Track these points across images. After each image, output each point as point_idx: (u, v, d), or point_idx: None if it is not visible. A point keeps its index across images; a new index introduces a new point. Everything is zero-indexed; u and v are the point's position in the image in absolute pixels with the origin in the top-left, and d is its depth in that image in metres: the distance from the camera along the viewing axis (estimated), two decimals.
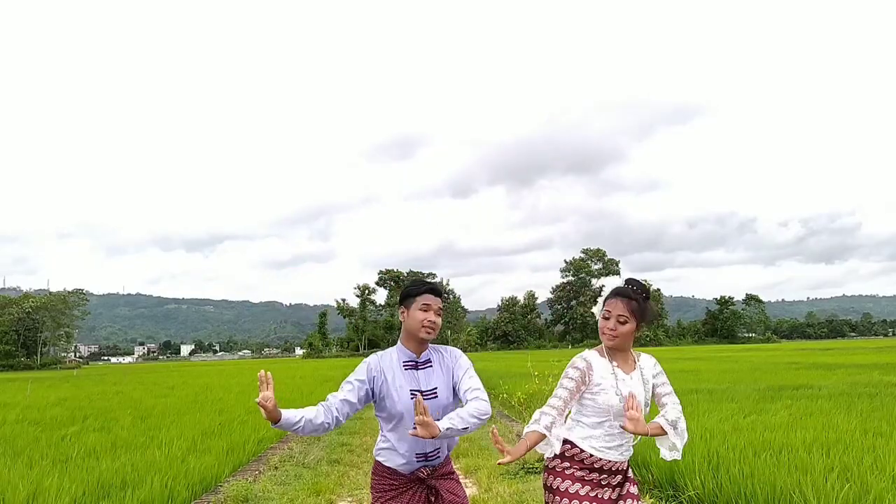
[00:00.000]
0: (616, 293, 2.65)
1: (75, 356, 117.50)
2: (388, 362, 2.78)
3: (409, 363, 2.76)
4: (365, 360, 2.82)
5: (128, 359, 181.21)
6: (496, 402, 11.90)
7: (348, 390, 2.70)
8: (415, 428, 2.37)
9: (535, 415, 2.66)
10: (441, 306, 2.80)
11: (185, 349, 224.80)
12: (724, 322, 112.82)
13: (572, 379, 2.62)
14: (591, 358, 2.67)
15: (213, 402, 13.42)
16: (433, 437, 2.36)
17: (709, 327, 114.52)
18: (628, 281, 2.68)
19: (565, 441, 2.65)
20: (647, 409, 2.63)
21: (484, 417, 2.54)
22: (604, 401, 2.58)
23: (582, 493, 2.58)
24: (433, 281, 2.87)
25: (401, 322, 2.83)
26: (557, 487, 2.62)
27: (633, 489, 2.66)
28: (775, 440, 5.74)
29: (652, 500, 4.91)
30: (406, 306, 2.77)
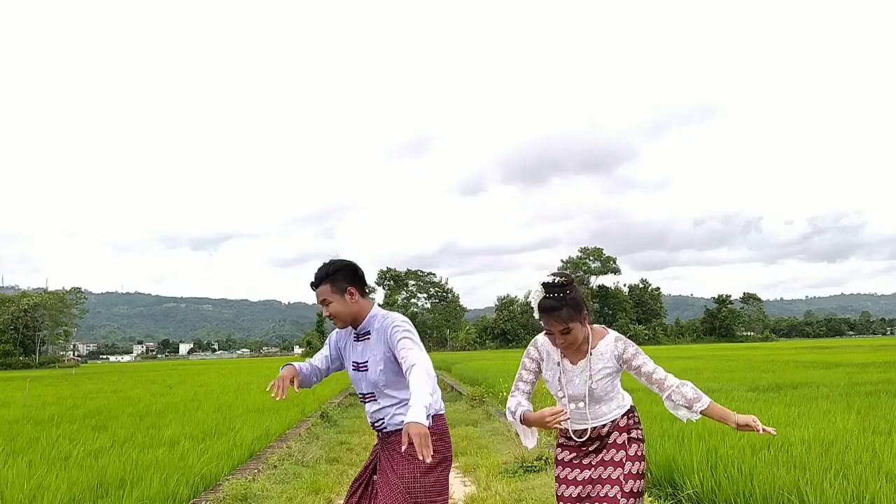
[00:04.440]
0: (542, 311, 2.54)
1: (74, 355, 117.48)
2: (342, 338, 2.93)
3: (355, 336, 2.84)
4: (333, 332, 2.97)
5: (126, 357, 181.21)
6: (495, 400, 11.91)
7: (319, 360, 2.97)
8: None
9: (509, 403, 2.77)
10: (325, 296, 2.72)
11: (184, 348, 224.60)
12: (722, 321, 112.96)
13: (529, 370, 2.79)
14: (544, 346, 2.76)
15: (212, 400, 13.41)
16: (422, 433, 2.19)
17: (707, 326, 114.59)
18: (545, 287, 2.54)
19: None
20: (600, 396, 2.67)
21: (433, 383, 2.47)
22: (550, 389, 2.79)
23: (567, 459, 2.75)
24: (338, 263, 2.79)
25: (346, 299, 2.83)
26: (554, 455, 2.82)
27: (620, 438, 2.69)
28: (774, 439, 5.74)
29: (650, 498, 4.92)
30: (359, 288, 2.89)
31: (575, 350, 2.67)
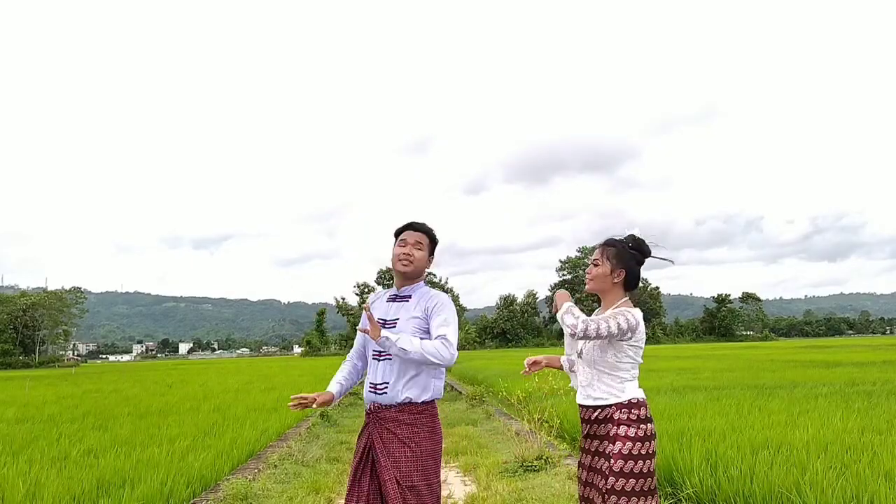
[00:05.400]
0: (602, 243, 2.88)
1: (73, 354, 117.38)
2: (376, 297, 3.03)
3: (392, 297, 2.94)
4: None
5: (126, 357, 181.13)
6: (495, 399, 11.91)
7: (355, 356, 3.10)
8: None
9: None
10: (420, 240, 2.91)
11: (184, 347, 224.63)
12: (721, 320, 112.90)
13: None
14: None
15: (212, 400, 13.40)
16: (374, 339, 2.64)
17: (707, 325, 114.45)
18: (629, 235, 2.89)
19: None
20: (591, 360, 2.79)
21: (434, 359, 2.64)
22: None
23: (581, 441, 2.89)
24: (420, 223, 2.97)
25: None
26: None
27: (613, 430, 2.69)
28: (773, 438, 5.75)
29: None
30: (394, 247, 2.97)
31: (601, 308, 2.87)
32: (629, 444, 2.62)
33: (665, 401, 9.10)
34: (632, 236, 2.85)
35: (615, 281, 2.79)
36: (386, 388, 2.78)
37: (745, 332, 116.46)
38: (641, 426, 2.67)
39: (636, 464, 2.60)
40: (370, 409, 2.85)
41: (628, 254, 2.79)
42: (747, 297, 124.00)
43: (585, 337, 2.64)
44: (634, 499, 2.56)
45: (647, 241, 2.86)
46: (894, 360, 19.86)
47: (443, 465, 3.20)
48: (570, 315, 2.68)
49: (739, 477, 4.45)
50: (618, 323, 2.65)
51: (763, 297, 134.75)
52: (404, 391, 2.77)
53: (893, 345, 40.23)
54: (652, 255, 2.87)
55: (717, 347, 52.51)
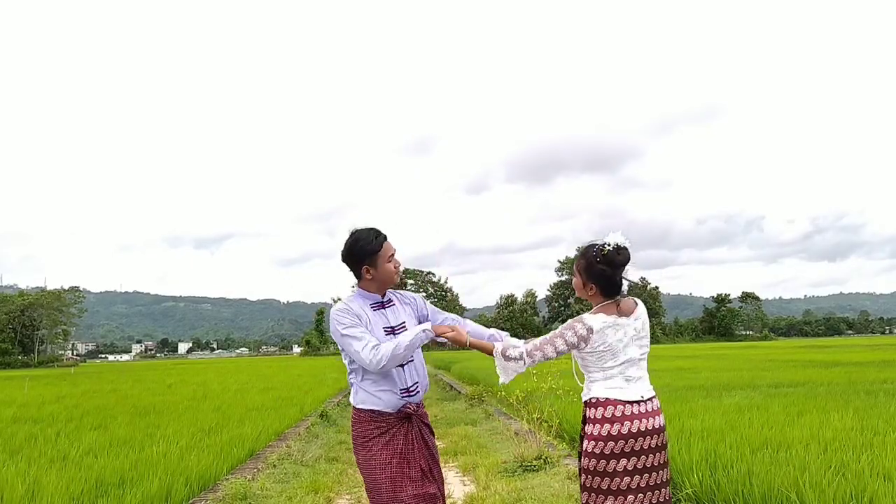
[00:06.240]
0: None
1: (72, 354, 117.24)
2: (357, 307, 2.93)
3: (376, 304, 2.96)
4: (338, 311, 2.90)
5: (125, 357, 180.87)
6: (494, 399, 11.90)
7: (369, 335, 2.87)
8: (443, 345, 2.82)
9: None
10: (394, 252, 3.00)
11: (183, 347, 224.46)
12: (721, 320, 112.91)
13: None
14: None
15: (211, 399, 13.39)
16: (461, 344, 2.88)
17: (706, 325, 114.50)
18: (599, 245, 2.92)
19: None
20: (576, 362, 2.90)
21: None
22: None
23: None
24: (382, 232, 2.98)
25: (366, 279, 2.94)
26: None
27: (583, 427, 2.82)
28: (772, 438, 5.75)
29: None
30: (370, 265, 2.89)
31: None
32: (591, 442, 2.72)
33: (664, 400, 9.09)
34: (602, 248, 2.77)
35: (590, 294, 2.84)
36: (417, 387, 2.98)
37: (744, 332, 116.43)
38: (596, 423, 2.72)
39: (590, 461, 2.69)
40: (407, 410, 2.91)
41: (597, 268, 2.77)
42: (747, 297, 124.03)
43: (537, 363, 2.82)
44: (593, 495, 2.67)
45: (624, 248, 2.78)
46: (893, 359, 19.87)
47: (442, 464, 3.23)
48: (510, 359, 2.83)
49: (739, 476, 4.44)
50: (564, 340, 2.76)
51: (762, 297, 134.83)
52: (425, 386, 3.06)
53: (892, 344, 40.23)
54: (628, 263, 2.81)
55: (717, 347, 52.52)
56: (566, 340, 2.75)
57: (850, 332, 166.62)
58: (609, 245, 2.76)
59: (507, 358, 2.82)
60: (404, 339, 2.80)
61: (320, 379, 20.50)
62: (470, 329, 3.07)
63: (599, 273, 2.76)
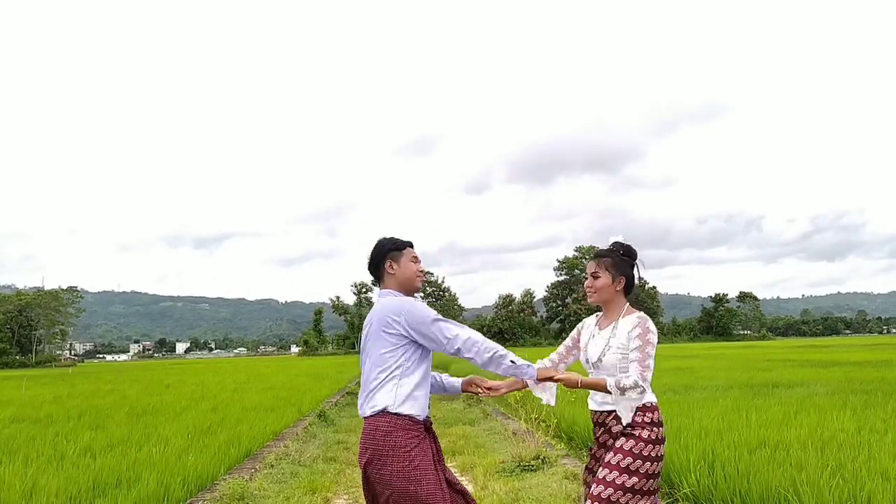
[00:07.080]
0: (592, 256, 2.99)
1: (70, 354, 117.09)
2: None
3: None
4: (418, 302, 2.96)
5: (123, 357, 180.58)
6: (492, 399, 11.90)
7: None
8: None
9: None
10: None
11: (181, 347, 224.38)
12: (719, 320, 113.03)
13: (570, 337, 3.10)
14: (589, 321, 3.08)
15: (209, 399, 13.38)
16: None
17: (704, 325, 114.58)
18: (614, 242, 2.99)
19: None
20: (607, 369, 2.82)
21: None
22: (581, 357, 3.02)
23: (593, 447, 2.97)
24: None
25: (388, 274, 2.93)
26: None
27: (618, 443, 2.74)
28: (770, 437, 5.76)
29: None
30: (393, 259, 2.92)
31: (605, 315, 2.97)
32: (633, 441, 2.70)
33: (662, 400, 9.11)
34: (617, 243, 2.95)
35: (617, 289, 2.92)
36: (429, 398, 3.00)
37: (742, 332, 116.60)
38: (655, 429, 2.74)
39: (635, 462, 2.68)
40: (429, 422, 2.87)
41: (622, 261, 2.92)
42: (744, 297, 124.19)
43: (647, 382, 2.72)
44: (629, 495, 2.65)
45: (630, 244, 2.98)
46: (891, 359, 19.91)
47: None
48: (620, 388, 2.70)
49: (736, 476, 4.45)
50: (653, 346, 2.76)
51: (760, 297, 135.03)
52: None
53: (890, 344, 40.32)
54: (637, 258, 2.97)
55: (715, 347, 52.57)
56: (654, 345, 2.76)
57: (847, 331, 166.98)
58: (622, 239, 2.97)
59: (623, 389, 2.69)
60: (505, 351, 2.77)
61: (318, 379, 20.48)
62: (444, 381, 3.16)
63: (624, 265, 2.91)
